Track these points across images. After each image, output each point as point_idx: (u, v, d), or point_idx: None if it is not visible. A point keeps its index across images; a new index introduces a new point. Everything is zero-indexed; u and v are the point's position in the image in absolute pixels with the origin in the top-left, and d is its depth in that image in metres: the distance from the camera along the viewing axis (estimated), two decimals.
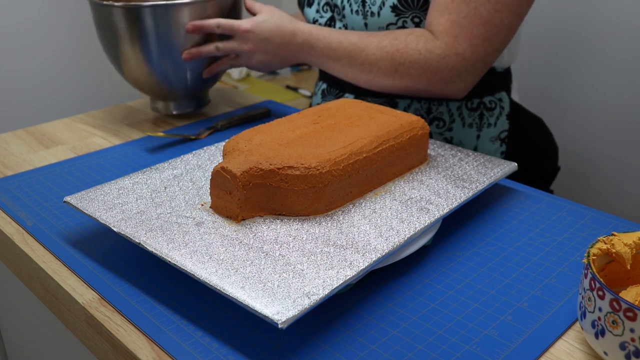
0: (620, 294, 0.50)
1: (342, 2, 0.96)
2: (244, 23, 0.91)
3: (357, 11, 0.93)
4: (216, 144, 0.78)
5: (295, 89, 2.34)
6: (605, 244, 0.52)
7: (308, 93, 2.28)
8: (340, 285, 0.51)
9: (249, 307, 0.48)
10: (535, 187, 1.03)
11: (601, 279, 0.48)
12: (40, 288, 0.65)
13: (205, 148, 0.77)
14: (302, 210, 0.61)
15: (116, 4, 0.87)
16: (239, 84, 2.37)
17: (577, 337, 0.52)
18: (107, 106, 1.08)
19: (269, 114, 1.02)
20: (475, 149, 0.98)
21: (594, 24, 1.45)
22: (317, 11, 1.01)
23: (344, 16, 0.96)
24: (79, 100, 2.18)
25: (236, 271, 0.52)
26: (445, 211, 0.63)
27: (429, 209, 0.63)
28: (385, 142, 0.67)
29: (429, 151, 0.77)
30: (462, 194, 0.66)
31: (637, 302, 0.49)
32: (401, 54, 0.86)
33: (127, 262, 0.62)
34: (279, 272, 0.52)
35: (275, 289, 0.50)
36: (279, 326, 0.46)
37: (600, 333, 0.47)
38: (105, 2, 0.88)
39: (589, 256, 0.50)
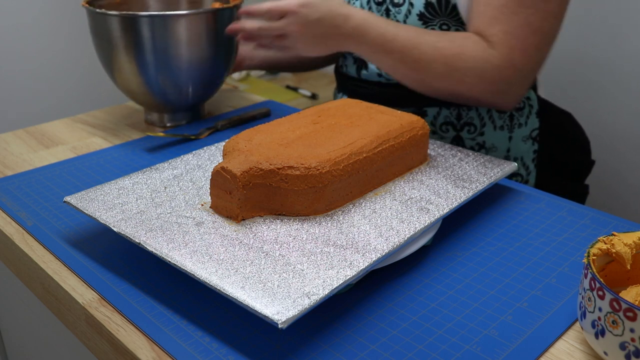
0: (620, 294, 0.50)
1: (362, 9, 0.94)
2: (294, 2, 0.86)
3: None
4: (216, 144, 0.78)
5: (295, 89, 2.34)
6: (605, 244, 0.52)
7: (308, 93, 2.28)
8: (340, 285, 0.51)
9: (249, 307, 0.48)
10: (571, 182, 1.02)
11: (601, 279, 0.48)
12: (40, 288, 0.65)
13: (205, 148, 0.77)
14: (302, 210, 0.61)
15: (112, 12, 0.86)
16: (239, 84, 2.37)
17: (577, 337, 0.52)
18: (107, 106, 1.08)
19: (269, 114, 1.02)
20: (507, 151, 0.97)
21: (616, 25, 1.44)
22: None
23: None
24: (79, 100, 2.18)
25: (236, 271, 0.52)
26: (445, 211, 0.63)
27: (429, 209, 0.63)
28: (385, 142, 0.67)
29: (429, 151, 0.77)
30: (462, 194, 0.66)
31: (637, 302, 0.49)
32: (458, 59, 0.83)
33: (127, 262, 0.62)
34: (279, 272, 0.52)
35: (275, 289, 0.50)
36: (279, 326, 0.46)
37: (600, 333, 0.47)
38: (101, 10, 0.87)
39: (589, 256, 0.50)
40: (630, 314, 0.44)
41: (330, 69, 2.59)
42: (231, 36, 0.93)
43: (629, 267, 0.52)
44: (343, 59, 1.06)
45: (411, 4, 0.88)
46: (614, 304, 0.45)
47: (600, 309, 0.47)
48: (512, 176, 0.98)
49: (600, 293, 0.46)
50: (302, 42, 0.88)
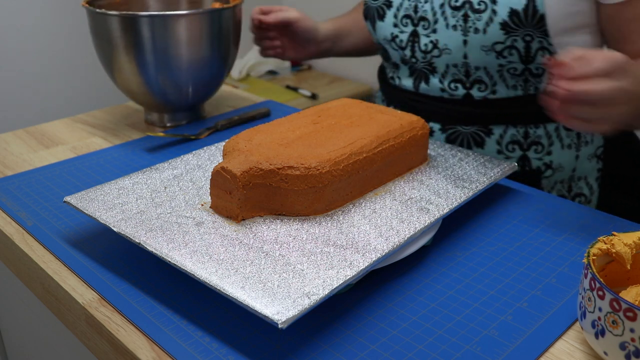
0: (620, 294, 0.50)
1: (433, 14, 0.86)
2: (619, 55, 0.61)
3: (455, 26, 0.84)
4: (216, 144, 0.78)
5: (295, 89, 2.34)
6: (605, 244, 0.52)
7: (308, 93, 2.28)
8: (340, 285, 0.51)
9: (249, 307, 0.48)
10: (637, 201, 0.95)
11: (601, 279, 0.48)
12: (40, 288, 0.65)
13: (205, 148, 0.77)
14: (302, 210, 0.61)
15: (112, 12, 0.86)
16: (239, 84, 2.37)
17: (577, 337, 0.52)
18: (107, 106, 1.08)
19: (269, 114, 1.02)
20: (573, 171, 0.91)
21: None
22: (395, 25, 0.90)
23: (434, 31, 0.86)
24: (79, 100, 2.18)
25: (236, 271, 0.52)
26: (445, 211, 0.63)
27: (429, 209, 0.63)
28: (385, 142, 0.67)
29: (429, 151, 0.77)
30: (462, 194, 0.66)
31: (637, 302, 0.49)
32: None
33: (127, 262, 0.62)
34: (279, 272, 0.52)
35: (275, 289, 0.50)
36: (279, 326, 0.46)
37: (600, 333, 0.47)
38: (101, 10, 0.87)
39: (589, 256, 0.50)
40: (630, 314, 0.44)
41: (331, 69, 2.60)
42: (231, 36, 0.93)
43: (629, 267, 0.52)
44: (393, 69, 0.96)
45: (494, 12, 0.81)
46: (614, 304, 0.45)
47: (600, 309, 0.47)
48: (575, 197, 0.92)
49: (600, 293, 0.46)
50: (625, 116, 0.63)
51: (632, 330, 0.45)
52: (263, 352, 0.50)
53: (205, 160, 0.74)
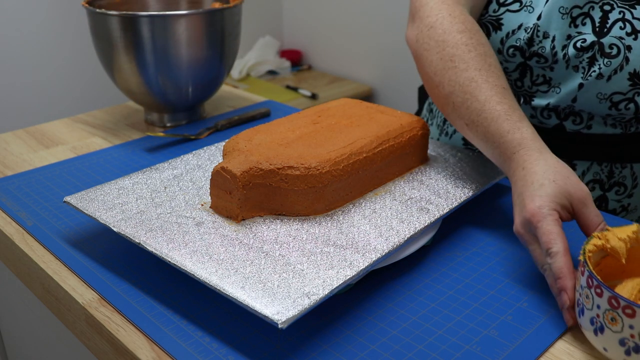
0: (616, 288, 0.51)
1: (553, 55, 0.74)
2: None
3: (576, 67, 0.74)
4: (216, 144, 0.78)
5: (295, 89, 2.34)
6: (600, 239, 0.53)
7: (308, 93, 2.28)
8: (340, 285, 0.51)
9: (249, 307, 0.48)
10: None
11: (598, 276, 0.48)
12: (40, 288, 0.65)
13: (205, 148, 0.77)
14: (302, 210, 0.61)
15: (112, 12, 0.86)
16: (239, 84, 2.37)
17: (577, 337, 0.52)
18: (107, 106, 1.09)
19: (269, 114, 1.02)
20: None
21: None
22: (499, 52, 0.78)
23: (551, 69, 0.76)
24: (79, 100, 2.18)
25: (236, 271, 0.52)
26: (445, 211, 0.63)
27: (429, 209, 0.63)
28: (385, 142, 0.67)
29: (429, 151, 0.77)
30: (462, 194, 0.66)
31: (633, 297, 0.50)
32: None
33: (127, 262, 0.62)
34: (279, 272, 0.52)
35: (275, 289, 0.50)
36: (279, 326, 0.46)
37: (599, 330, 0.47)
38: (101, 10, 0.87)
39: (584, 253, 0.50)
40: (629, 311, 0.44)
41: (331, 69, 2.60)
42: (231, 36, 0.93)
43: (624, 261, 0.52)
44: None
45: (627, 59, 0.71)
46: (612, 301, 0.45)
47: (598, 307, 0.47)
48: None
49: (598, 291, 0.46)
50: None
51: (631, 327, 0.45)
52: (263, 352, 0.50)
53: (205, 160, 0.74)
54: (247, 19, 2.31)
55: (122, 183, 0.68)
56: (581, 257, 0.50)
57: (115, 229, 0.59)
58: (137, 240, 0.57)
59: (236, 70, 2.45)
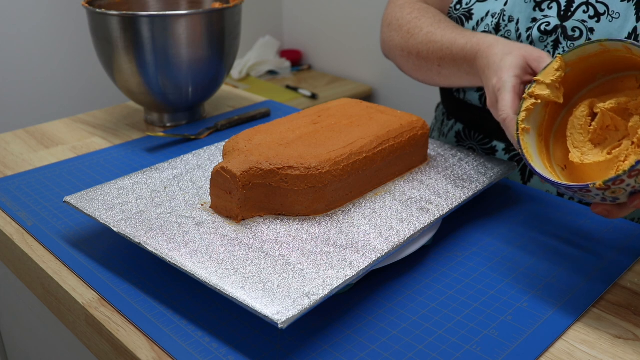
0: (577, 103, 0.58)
1: (517, 37, 0.78)
2: None
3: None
4: (216, 144, 0.78)
5: (295, 89, 2.34)
6: (531, 98, 0.58)
7: (308, 93, 2.28)
8: (340, 285, 0.51)
9: (249, 307, 0.48)
10: None
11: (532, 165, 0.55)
12: (40, 288, 0.65)
13: (205, 148, 0.77)
14: (302, 210, 0.61)
15: (112, 12, 0.86)
16: (239, 84, 2.37)
17: (577, 337, 0.52)
18: (107, 106, 1.08)
19: (269, 114, 1.02)
20: None
21: None
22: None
23: None
24: (79, 100, 2.18)
25: (236, 271, 0.52)
26: (445, 211, 0.63)
27: (429, 209, 0.63)
28: (385, 142, 0.67)
29: (429, 151, 0.77)
30: (462, 194, 0.66)
31: (586, 113, 0.57)
32: None
33: (127, 262, 0.62)
34: (279, 272, 0.52)
35: (275, 289, 0.50)
36: (279, 326, 0.46)
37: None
38: (101, 10, 0.87)
39: (518, 130, 0.56)
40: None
41: (331, 69, 2.60)
42: (231, 36, 0.93)
43: (561, 100, 0.56)
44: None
45: (589, 41, 0.73)
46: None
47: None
48: None
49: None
50: None
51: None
52: (263, 352, 0.50)
53: (205, 160, 0.74)
54: (247, 19, 2.31)
55: (122, 183, 0.68)
56: (515, 136, 0.56)
57: (115, 229, 0.59)
58: (137, 240, 0.57)
59: (236, 70, 2.45)
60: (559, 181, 0.54)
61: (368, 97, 2.41)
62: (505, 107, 0.61)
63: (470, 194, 0.66)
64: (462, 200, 0.65)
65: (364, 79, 2.46)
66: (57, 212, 0.72)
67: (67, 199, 0.64)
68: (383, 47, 0.91)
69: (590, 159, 0.56)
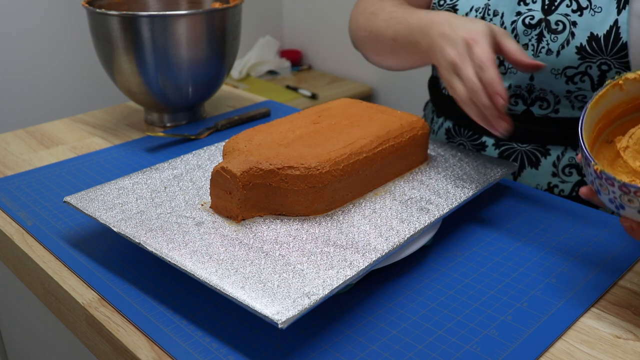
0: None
1: (502, 27, 0.79)
2: None
3: (525, 45, 0.78)
4: (216, 144, 0.78)
5: (295, 89, 2.34)
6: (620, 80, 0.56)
7: (308, 93, 2.28)
8: (340, 285, 0.51)
9: (249, 307, 0.48)
10: None
11: (607, 172, 0.51)
12: (40, 288, 0.65)
13: (205, 148, 0.77)
14: (302, 210, 0.61)
15: (112, 12, 0.86)
16: (239, 84, 2.37)
17: (577, 337, 0.52)
18: (107, 106, 1.09)
19: (269, 114, 1.02)
20: None
21: None
22: None
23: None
24: (79, 100, 2.18)
25: (236, 271, 0.52)
26: (445, 211, 0.63)
27: (429, 209, 0.63)
28: (385, 142, 0.67)
29: (429, 151, 0.77)
30: (462, 194, 0.66)
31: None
32: None
33: (127, 262, 0.62)
34: (279, 272, 0.52)
35: (275, 289, 0.50)
36: (279, 326, 0.46)
37: (620, 207, 0.51)
38: (101, 10, 0.87)
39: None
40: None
41: (331, 69, 2.60)
42: (231, 36, 0.93)
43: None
44: None
45: (572, 34, 0.75)
46: (624, 188, 0.49)
47: (613, 192, 0.50)
48: None
49: (609, 182, 0.49)
50: None
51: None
52: (263, 352, 0.50)
53: (205, 160, 0.74)
54: (247, 19, 2.31)
55: (122, 183, 0.68)
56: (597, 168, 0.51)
57: (115, 229, 0.59)
58: (137, 240, 0.57)
59: (236, 70, 2.45)
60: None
61: (368, 97, 2.41)
62: (487, 54, 0.61)
63: (470, 194, 0.66)
64: (462, 200, 0.65)
65: (364, 79, 2.46)
66: (57, 212, 0.72)
67: (67, 199, 0.64)
68: (350, 34, 0.92)
69: None
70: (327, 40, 2.56)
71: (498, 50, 0.64)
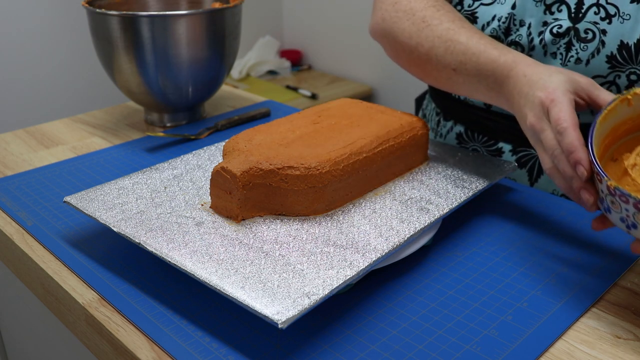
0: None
1: (529, 41, 0.76)
2: None
3: (554, 54, 0.75)
4: (216, 144, 0.78)
5: (295, 89, 2.34)
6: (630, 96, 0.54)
7: (308, 93, 2.28)
8: (340, 285, 0.51)
9: (249, 307, 0.48)
10: None
11: (622, 187, 0.49)
12: (40, 288, 0.65)
13: (205, 148, 0.77)
14: (302, 210, 0.61)
15: (112, 12, 0.86)
16: (239, 84, 2.37)
17: (577, 337, 0.52)
18: (107, 106, 1.09)
19: (269, 114, 1.02)
20: None
21: None
22: None
23: (529, 57, 0.74)
24: (79, 100, 2.18)
25: (236, 271, 0.52)
26: (445, 211, 0.63)
27: (429, 209, 0.63)
28: (385, 142, 0.67)
29: (429, 151, 0.77)
30: (462, 194, 0.66)
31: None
32: None
33: (127, 262, 0.62)
34: (279, 272, 0.52)
35: (275, 289, 0.50)
36: (279, 326, 0.46)
37: (632, 226, 0.49)
38: (101, 10, 0.87)
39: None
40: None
41: (331, 69, 2.60)
42: (231, 36, 0.92)
43: None
44: None
45: (602, 43, 0.72)
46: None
47: (627, 210, 0.48)
48: None
49: (624, 199, 0.47)
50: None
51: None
52: (263, 352, 0.50)
53: (205, 160, 0.74)
54: (247, 19, 2.31)
55: (122, 183, 0.68)
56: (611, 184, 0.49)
57: (115, 229, 0.59)
58: (137, 240, 0.57)
59: (236, 70, 2.45)
60: None
61: (368, 97, 2.41)
62: (566, 115, 0.54)
63: (470, 194, 0.66)
64: (462, 200, 0.65)
65: (364, 79, 2.46)
66: (57, 212, 0.72)
67: (67, 199, 0.64)
68: (377, 26, 0.81)
69: None
70: (327, 40, 2.56)
71: (591, 103, 0.58)
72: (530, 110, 0.58)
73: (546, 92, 0.57)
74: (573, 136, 0.53)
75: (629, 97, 0.54)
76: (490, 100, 0.67)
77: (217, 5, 1.00)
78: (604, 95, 0.57)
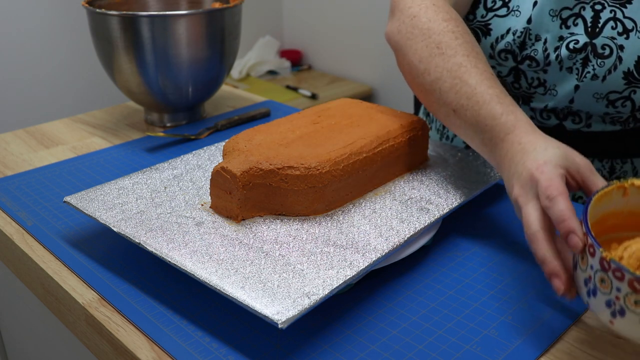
0: (626, 243, 0.48)
1: (545, 56, 0.75)
2: None
3: (570, 68, 0.74)
4: (216, 144, 0.78)
5: (295, 89, 2.34)
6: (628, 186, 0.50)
7: (308, 93, 2.28)
8: (340, 285, 0.51)
9: (249, 307, 0.48)
10: None
11: (618, 261, 0.44)
12: (40, 288, 0.65)
13: (205, 148, 0.77)
14: (302, 210, 0.61)
15: (112, 12, 0.86)
16: (239, 84, 2.37)
17: (577, 337, 0.52)
18: (107, 106, 1.09)
19: (269, 114, 1.02)
20: None
21: None
22: (491, 56, 0.78)
23: (544, 71, 0.76)
24: (79, 100, 2.18)
25: (236, 271, 0.52)
26: (445, 211, 0.63)
27: (429, 209, 0.63)
28: (385, 142, 0.67)
29: (429, 151, 0.77)
30: (462, 194, 0.66)
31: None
32: None
33: (127, 262, 0.62)
34: (279, 272, 0.52)
35: (275, 289, 0.50)
36: (279, 326, 0.46)
37: (618, 313, 0.43)
38: (101, 10, 0.87)
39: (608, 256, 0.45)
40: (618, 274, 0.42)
41: (331, 69, 2.60)
42: (231, 36, 0.93)
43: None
44: None
45: (619, 59, 0.71)
46: (635, 284, 0.41)
47: (618, 289, 0.43)
48: None
49: (618, 274, 0.42)
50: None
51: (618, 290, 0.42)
52: (263, 352, 0.50)
53: (205, 160, 0.74)
54: (247, 19, 2.31)
55: (122, 183, 0.68)
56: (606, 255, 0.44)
57: (115, 229, 0.59)
58: (137, 240, 0.57)
59: (236, 70, 2.45)
60: None
61: (368, 97, 2.41)
62: (556, 184, 0.51)
63: (471, 194, 0.66)
64: (462, 200, 0.65)
65: (364, 79, 2.46)
66: (57, 212, 0.72)
67: (67, 199, 0.64)
68: (392, 35, 0.75)
69: None
70: (327, 40, 2.56)
71: (583, 186, 0.55)
72: (517, 182, 0.55)
73: (536, 164, 0.54)
74: (564, 204, 0.49)
75: (626, 185, 0.51)
76: (482, 153, 0.63)
77: (217, 5, 1.00)
78: (600, 182, 0.54)
